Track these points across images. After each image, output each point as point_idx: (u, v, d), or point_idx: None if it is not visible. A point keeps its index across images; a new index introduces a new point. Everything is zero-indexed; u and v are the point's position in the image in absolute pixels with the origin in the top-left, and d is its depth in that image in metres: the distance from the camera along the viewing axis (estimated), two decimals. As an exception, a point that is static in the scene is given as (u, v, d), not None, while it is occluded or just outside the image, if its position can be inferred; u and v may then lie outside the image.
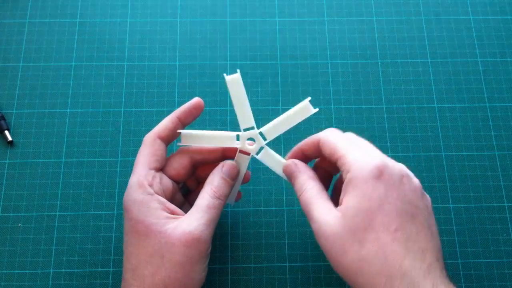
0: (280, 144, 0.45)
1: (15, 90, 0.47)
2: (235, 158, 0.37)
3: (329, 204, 0.32)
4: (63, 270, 0.41)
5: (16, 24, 0.50)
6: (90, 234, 0.42)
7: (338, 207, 0.31)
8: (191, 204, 0.39)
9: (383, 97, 0.48)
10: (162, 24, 0.51)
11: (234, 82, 0.35)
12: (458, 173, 0.45)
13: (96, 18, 0.51)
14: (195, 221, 0.33)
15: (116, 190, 0.44)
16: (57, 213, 0.43)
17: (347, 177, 0.31)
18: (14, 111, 0.47)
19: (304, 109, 0.36)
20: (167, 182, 0.36)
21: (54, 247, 0.42)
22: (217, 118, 0.46)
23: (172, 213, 0.34)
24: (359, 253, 0.29)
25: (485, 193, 0.44)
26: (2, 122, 0.45)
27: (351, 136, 0.35)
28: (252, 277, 0.41)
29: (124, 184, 0.44)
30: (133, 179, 0.35)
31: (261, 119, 0.43)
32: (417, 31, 0.51)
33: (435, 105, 0.48)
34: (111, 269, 0.41)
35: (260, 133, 0.36)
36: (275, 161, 0.37)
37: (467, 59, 0.50)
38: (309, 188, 0.33)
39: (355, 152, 0.32)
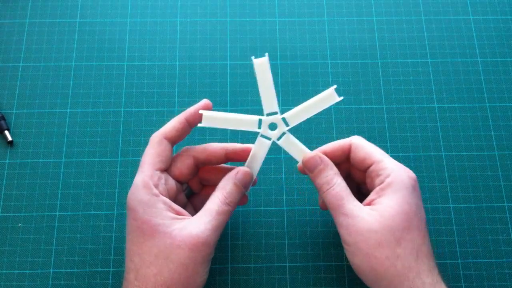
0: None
1: (15, 90, 0.47)
2: (255, 143, 0.36)
3: (357, 201, 0.34)
4: (63, 270, 0.41)
5: (16, 24, 0.50)
6: (90, 234, 0.42)
7: (372, 206, 0.34)
8: (193, 206, 0.39)
9: (383, 97, 0.48)
10: (162, 24, 0.51)
11: (262, 65, 0.35)
12: (458, 173, 0.45)
13: (96, 18, 0.51)
14: (202, 225, 0.33)
15: (116, 190, 0.44)
16: (57, 213, 0.43)
17: (386, 181, 0.34)
18: (14, 111, 0.47)
19: (329, 96, 0.36)
20: (172, 183, 0.36)
21: (54, 247, 0.42)
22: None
23: (177, 213, 0.34)
24: (395, 250, 0.32)
25: (485, 193, 0.44)
26: (2, 122, 0.45)
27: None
28: (252, 277, 0.41)
29: (124, 184, 0.44)
30: (139, 179, 0.35)
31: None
32: (417, 31, 0.51)
33: (435, 105, 0.48)
34: (111, 269, 0.41)
35: (283, 119, 0.36)
36: (297, 149, 0.36)
37: (467, 59, 0.50)
38: (338, 183, 0.35)
39: (391, 160, 0.35)
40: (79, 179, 0.44)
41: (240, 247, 0.42)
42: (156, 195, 0.34)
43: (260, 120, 0.36)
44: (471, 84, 0.49)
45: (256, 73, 0.35)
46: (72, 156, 0.45)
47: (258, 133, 0.36)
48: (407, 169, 0.35)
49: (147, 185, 0.34)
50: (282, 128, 0.36)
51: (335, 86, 0.35)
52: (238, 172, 0.36)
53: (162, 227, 0.33)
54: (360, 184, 0.39)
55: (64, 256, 0.42)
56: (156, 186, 0.34)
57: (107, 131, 0.46)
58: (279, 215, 0.43)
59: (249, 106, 0.47)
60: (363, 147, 0.36)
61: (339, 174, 0.36)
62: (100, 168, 0.45)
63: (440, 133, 0.47)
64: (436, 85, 0.48)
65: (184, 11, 0.51)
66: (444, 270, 0.42)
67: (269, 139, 0.36)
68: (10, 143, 0.45)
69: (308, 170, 0.36)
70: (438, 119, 0.47)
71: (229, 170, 0.37)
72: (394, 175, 0.34)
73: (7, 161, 0.45)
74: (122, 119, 0.46)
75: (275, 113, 0.36)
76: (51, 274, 0.41)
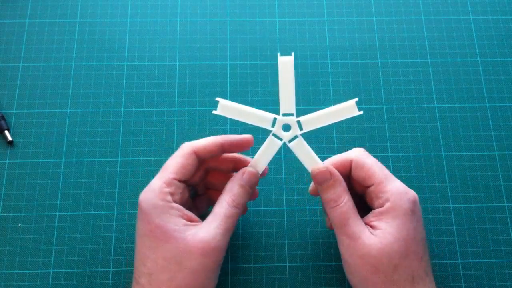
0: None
1: (15, 90, 0.47)
2: (266, 141, 0.36)
3: (362, 222, 0.34)
4: (63, 270, 0.41)
5: (16, 24, 0.50)
6: (90, 234, 0.42)
7: (372, 229, 0.34)
8: (196, 207, 0.39)
9: (383, 97, 0.48)
10: (162, 24, 0.51)
11: (287, 64, 0.35)
12: (458, 173, 0.45)
13: (96, 18, 0.51)
14: (212, 230, 0.33)
15: (116, 190, 0.44)
16: (57, 213, 0.43)
17: (386, 205, 0.34)
18: (14, 111, 0.47)
19: (348, 108, 0.34)
20: (186, 193, 0.36)
21: (54, 247, 0.42)
22: (217, 118, 0.46)
23: (190, 220, 0.34)
24: (391, 276, 0.32)
25: (485, 193, 0.44)
26: (2, 122, 0.45)
27: (373, 158, 0.36)
28: (252, 277, 0.41)
29: (124, 184, 0.44)
30: (157, 183, 0.34)
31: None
32: (417, 31, 0.51)
33: (435, 105, 0.48)
34: (111, 269, 0.41)
35: (298, 122, 0.35)
36: (307, 156, 0.36)
37: (467, 59, 0.50)
38: (346, 201, 0.34)
39: (392, 182, 0.35)
40: (79, 179, 0.44)
41: (240, 247, 0.42)
42: (170, 202, 0.34)
43: (274, 119, 0.35)
44: (471, 84, 0.49)
45: (280, 71, 0.35)
46: (72, 156, 0.45)
47: (270, 131, 0.36)
48: (408, 192, 0.34)
49: (163, 191, 0.34)
50: (295, 131, 0.35)
51: (356, 99, 0.34)
52: (244, 173, 0.36)
53: (175, 233, 0.33)
54: (362, 195, 0.38)
55: (64, 256, 0.42)
56: (172, 194, 0.34)
57: (107, 131, 0.46)
58: (279, 215, 0.43)
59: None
60: (363, 165, 0.35)
61: (348, 191, 0.35)
62: (100, 168, 0.45)
63: (440, 133, 0.47)
64: (436, 85, 0.48)
65: (184, 11, 0.51)
66: (444, 270, 0.42)
67: (281, 139, 0.36)
68: (10, 143, 0.45)
69: (316, 183, 0.36)
70: (438, 119, 0.47)
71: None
72: (393, 200, 0.34)
73: (7, 161, 0.45)
74: (122, 119, 0.46)
75: (291, 114, 0.35)
76: (51, 274, 0.41)
